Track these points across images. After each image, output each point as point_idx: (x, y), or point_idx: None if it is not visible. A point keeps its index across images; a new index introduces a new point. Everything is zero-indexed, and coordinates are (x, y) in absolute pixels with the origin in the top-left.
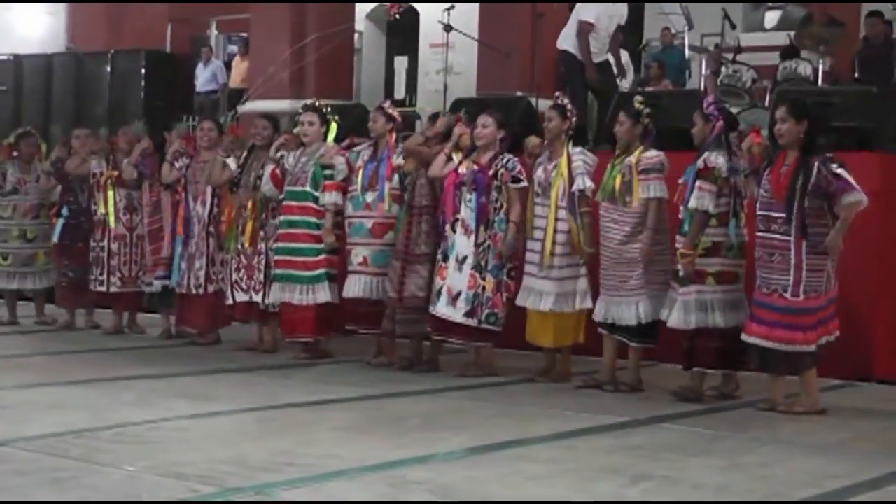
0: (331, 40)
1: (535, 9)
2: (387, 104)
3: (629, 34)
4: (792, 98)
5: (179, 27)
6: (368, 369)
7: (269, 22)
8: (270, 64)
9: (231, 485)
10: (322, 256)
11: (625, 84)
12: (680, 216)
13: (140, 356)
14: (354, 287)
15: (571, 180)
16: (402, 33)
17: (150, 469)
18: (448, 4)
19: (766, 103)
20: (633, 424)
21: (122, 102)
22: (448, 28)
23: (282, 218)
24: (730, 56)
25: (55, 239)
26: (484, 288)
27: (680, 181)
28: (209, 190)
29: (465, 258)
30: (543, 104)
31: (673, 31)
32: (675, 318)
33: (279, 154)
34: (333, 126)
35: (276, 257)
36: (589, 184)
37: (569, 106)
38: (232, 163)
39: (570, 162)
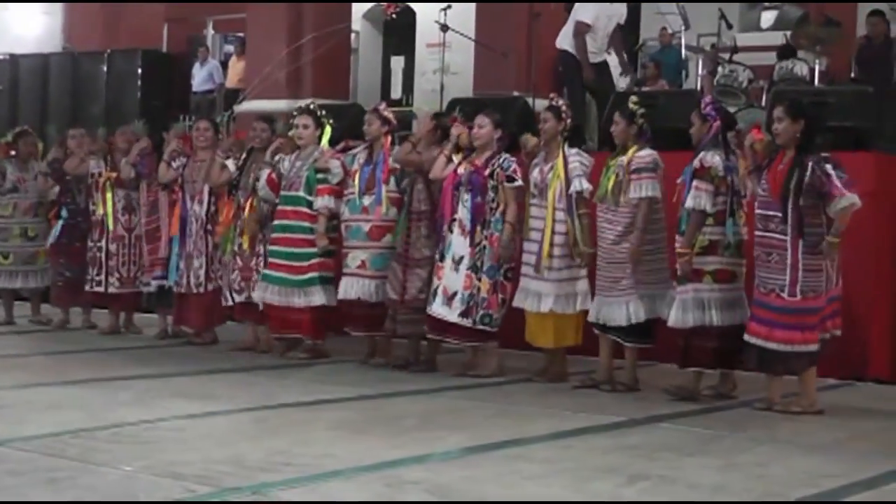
0: (327, 40)
1: (531, 9)
2: (382, 106)
3: (627, 34)
4: (789, 98)
5: (176, 27)
6: (365, 369)
7: (266, 22)
8: (267, 64)
9: (228, 485)
10: (315, 260)
11: (622, 84)
12: (679, 214)
13: (137, 356)
14: (352, 289)
15: (568, 182)
16: (398, 33)
17: (147, 469)
18: (445, 4)
19: (763, 103)
20: (629, 424)
21: (118, 102)
22: (445, 28)
23: (276, 222)
24: (726, 56)
25: (51, 240)
26: (479, 289)
27: (678, 181)
28: (206, 189)
29: (461, 258)
30: (540, 104)
31: (670, 31)
32: (673, 316)
33: (276, 158)
34: (328, 129)
35: (270, 259)
36: (586, 185)
37: (564, 107)
38: (231, 164)
39: (566, 164)
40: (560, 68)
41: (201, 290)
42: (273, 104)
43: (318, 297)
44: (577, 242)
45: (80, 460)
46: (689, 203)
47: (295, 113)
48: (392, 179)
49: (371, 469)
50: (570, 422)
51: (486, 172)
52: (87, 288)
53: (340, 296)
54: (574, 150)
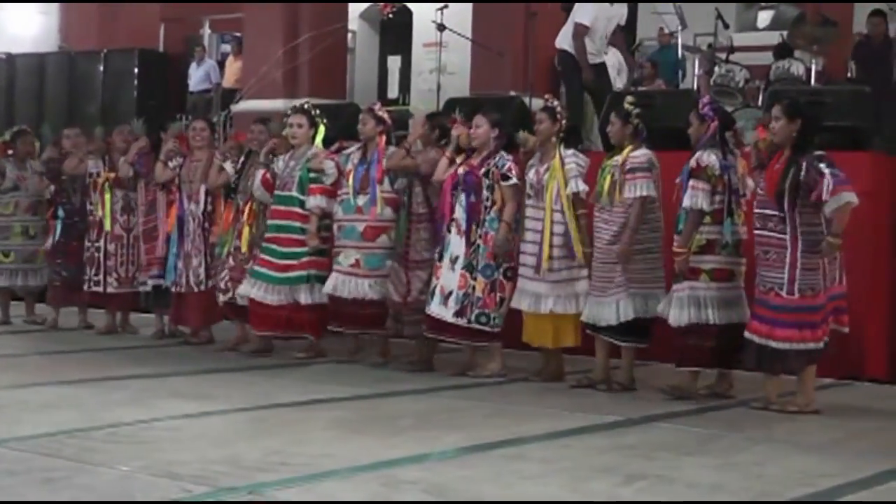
0: (324, 40)
1: (528, 8)
2: (377, 106)
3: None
4: (786, 97)
5: (172, 26)
6: (362, 369)
7: (263, 21)
8: (264, 63)
9: (224, 484)
10: (305, 259)
11: (619, 84)
12: (677, 214)
13: (133, 356)
14: (345, 287)
15: (566, 183)
16: (395, 33)
17: (144, 469)
18: (441, 4)
19: (759, 103)
20: (626, 424)
21: (114, 102)
22: (441, 27)
23: (270, 222)
24: (723, 56)
25: (56, 239)
26: (474, 288)
27: (677, 181)
28: (202, 189)
29: (456, 258)
30: (537, 104)
31: (666, 31)
32: (671, 315)
33: (270, 158)
34: (321, 128)
35: (261, 256)
36: (583, 186)
37: (559, 108)
38: (229, 167)
39: (563, 164)
40: (559, 68)
41: (202, 287)
42: (270, 104)
43: (304, 296)
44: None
45: (77, 460)
46: (685, 203)
47: (289, 112)
48: (386, 179)
49: (368, 469)
50: (567, 421)
51: (482, 172)
52: (85, 288)
53: (329, 290)
54: (570, 151)
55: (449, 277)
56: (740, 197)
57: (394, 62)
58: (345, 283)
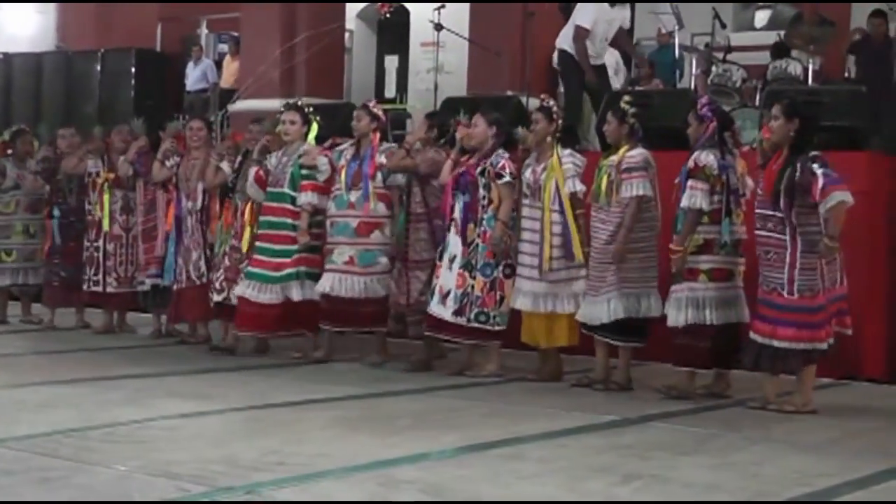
0: (321, 39)
1: (525, 8)
2: (371, 103)
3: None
4: (786, 97)
5: (169, 26)
6: (359, 369)
7: (260, 21)
8: (261, 63)
9: (221, 484)
10: (297, 256)
11: (616, 84)
12: (676, 215)
13: (130, 355)
14: (340, 286)
15: (564, 183)
16: (392, 32)
17: (141, 468)
18: (438, 4)
19: (757, 103)
20: (623, 423)
21: (111, 101)
22: (438, 27)
23: (262, 219)
24: (720, 55)
25: (57, 240)
26: (473, 287)
27: (676, 181)
28: (200, 187)
29: (454, 257)
30: (534, 103)
31: (664, 31)
32: (669, 315)
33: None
34: (315, 126)
35: (255, 256)
36: (580, 187)
37: (555, 108)
38: (226, 166)
39: (560, 164)
40: (558, 68)
41: (203, 280)
42: (267, 103)
43: (295, 293)
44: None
45: (74, 460)
46: (684, 202)
47: (282, 109)
48: (379, 175)
49: (365, 468)
50: (564, 421)
51: (477, 171)
52: (85, 288)
53: (326, 290)
54: (567, 151)
55: (447, 277)
56: (739, 197)
57: (391, 62)
58: (341, 282)
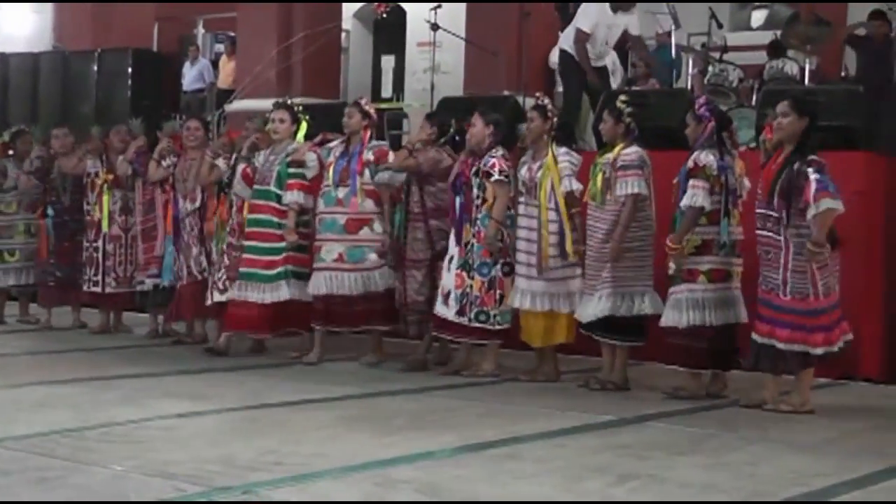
0: (318, 39)
1: (521, 8)
2: (363, 100)
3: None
4: (795, 94)
5: (166, 26)
6: (356, 368)
7: (256, 21)
8: (258, 63)
9: (218, 484)
10: (284, 255)
11: (613, 84)
12: (674, 215)
13: (127, 355)
14: (332, 284)
15: (560, 182)
16: (389, 32)
17: (138, 468)
18: (435, 3)
19: (753, 102)
20: (620, 423)
21: (108, 101)
22: (435, 27)
23: (249, 216)
24: (716, 55)
25: (51, 239)
26: (471, 287)
27: (674, 181)
28: (198, 188)
29: (452, 257)
30: (531, 103)
31: (659, 31)
32: (668, 316)
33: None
34: (304, 125)
35: (245, 255)
36: (576, 185)
37: (549, 106)
38: (221, 163)
39: (556, 163)
40: (559, 67)
41: (206, 274)
42: (263, 103)
43: (283, 292)
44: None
45: (71, 460)
46: (685, 201)
47: (272, 108)
48: (367, 171)
49: (361, 468)
50: (560, 421)
51: (472, 170)
52: (85, 288)
53: (315, 291)
54: (563, 150)
55: (447, 277)
56: (737, 198)
57: (387, 62)
58: (332, 280)
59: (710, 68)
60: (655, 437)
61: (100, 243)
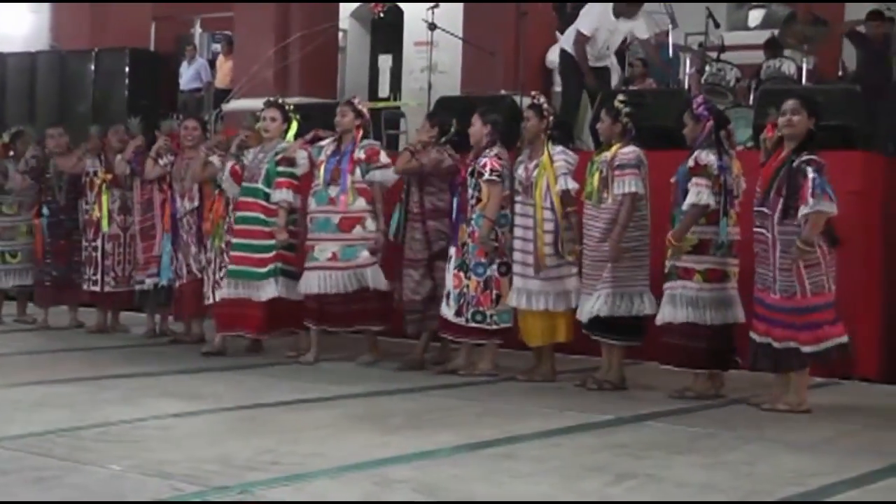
0: (315, 39)
1: (518, 8)
2: (356, 99)
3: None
4: (803, 93)
5: (163, 25)
6: (353, 368)
7: (254, 20)
8: (255, 62)
9: (215, 483)
10: (274, 252)
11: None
12: (672, 212)
13: (124, 355)
14: (325, 283)
15: (556, 181)
16: (386, 32)
17: (135, 468)
18: (432, 3)
19: (750, 102)
20: (617, 423)
21: (105, 101)
22: (432, 26)
23: (237, 214)
24: (714, 55)
25: (46, 239)
26: (468, 287)
27: (672, 180)
28: (195, 187)
29: (450, 258)
30: (528, 102)
31: (657, 31)
32: (664, 312)
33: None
34: (294, 124)
35: (233, 253)
36: (572, 184)
37: (545, 105)
38: (216, 161)
39: (552, 162)
40: (559, 66)
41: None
42: (260, 103)
43: (269, 290)
44: (563, 241)
45: (68, 459)
46: (691, 199)
47: (263, 106)
48: (358, 170)
49: (359, 468)
50: (558, 420)
51: (468, 171)
52: (85, 287)
53: (307, 290)
54: (559, 148)
55: (448, 278)
56: (734, 198)
57: (385, 61)
58: (327, 280)
59: (708, 68)
60: (653, 436)
61: (99, 242)
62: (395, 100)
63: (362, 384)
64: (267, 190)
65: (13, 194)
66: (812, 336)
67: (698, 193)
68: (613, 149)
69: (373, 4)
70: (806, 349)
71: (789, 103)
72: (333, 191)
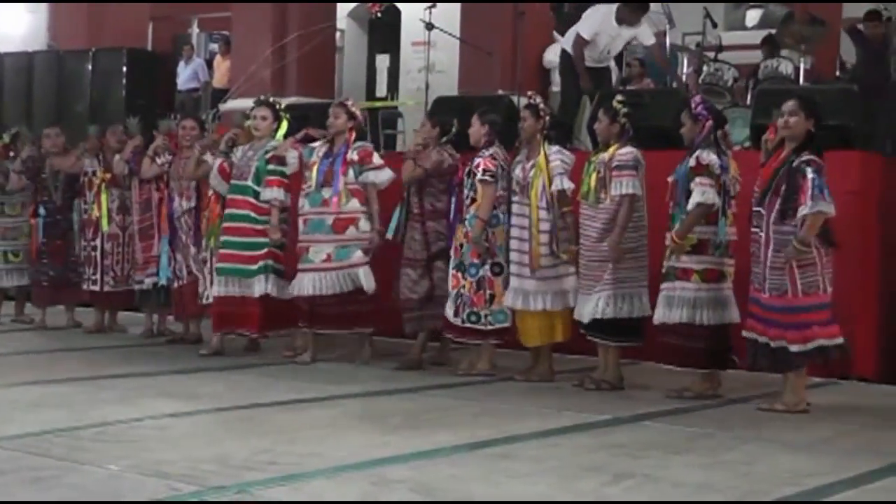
0: (312, 38)
1: (516, 8)
2: (349, 101)
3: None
4: (802, 94)
5: (160, 25)
6: (350, 368)
7: (251, 20)
8: (252, 62)
9: (213, 483)
10: (265, 250)
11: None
12: (670, 212)
13: (122, 355)
14: (318, 285)
15: (551, 180)
16: (383, 32)
17: (132, 468)
18: (429, 3)
19: (747, 102)
20: (615, 423)
21: (103, 101)
22: (430, 26)
23: (226, 211)
24: (711, 55)
25: (41, 238)
26: (465, 287)
27: (669, 179)
28: (193, 185)
29: (449, 258)
30: (525, 102)
31: (654, 31)
32: (659, 312)
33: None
34: (284, 123)
35: (221, 250)
36: (568, 184)
37: (541, 105)
38: (210, 159)
39: (547, 162)
40: (559, 66)
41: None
42: None
43: (258, 287)
44: (558, 240)
45: (65, 459)
46: (696, 198)
47: (253, 104)
48: (351, 172)
49: (356, 467)
50: (555, 420)
51: (465, 171)
52: (84, 287)
53: (300, 292)
54: (555, 148)
55: (448, 279)
56: (731, 198)
57: (382, 61)
58: (321, 281)
59: (705, 68)
60: (650, 436)
61: (98, 242)
62: (392, 100)
63: (360, 384)
64: (256, 188)
65: (16, 195)
66: (800, 335)
67: (703, 193)
68: (611, 149)
69: (370, 4)
70: (794, 348)
71: (787, 105)
72: (327, 192)
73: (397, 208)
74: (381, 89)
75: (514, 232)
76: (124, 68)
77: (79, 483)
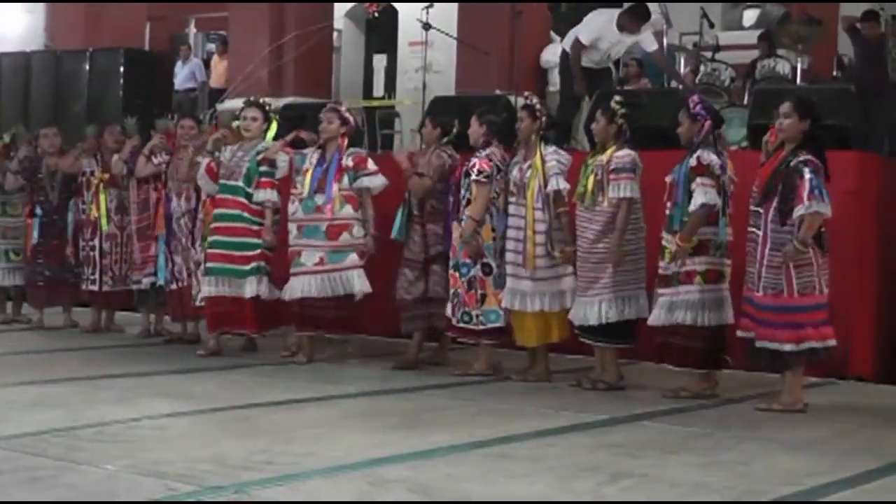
0: (309, 38)
1: (513, 8)
2: (342, 106)
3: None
4: (797, 95)
5: (158, 25)
6: (348, 368)
7: (248, 20)
8: (249, 62)
9: (210, 483)
10: (257, 251)
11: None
12: (668, 212)
13: (119, 355)
14: (308, 287)
15: (546, 181)
16: (380, 31)
17: (129, 468)
18: (427, 3)
19: (744, 101)
20: (612, 423)
21: (100, 101)
22: (427, 26)
23: (216, 211)
24: (708, 54)
25: (36, 239)
26: (459, 287)
27: (668, 179)
28: (191, 186)
29: (447, 258)
30: (522, 103)
31: (652, 31)
32: (658, 315)
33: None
34: (274, 124)
35: (210, 250)
36: (563, 185)
37: (538, 106)
38: (203, 160)
39: (543, 162)
40: (559, 66)
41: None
42: None
43: (249, 289)
44: (553, 241)
45: (62, 459)
46: (700, 199)
47: (243, 105)
48: (345, 178)
49: (353, 467)
50: (553, 420)
51: (462, 171)
52: (83, 287)
53: (293, 295)
54: (552, 149)
55: (444, 280)
56: (728, 198)
57: (379, 61)
58: (310, 284)
59: (702, 68)
60: (648, 436)
61: (96, 242)
62: (389, 99)
63: (357, 384)
64: (248, 189)
65: (18, 195)
66: (793, 335)
67: (706, 193)
68: (609, 152)
69: (367, 4)
70: (786, 348)
71: (782, 106)
72: (320, 199)
73: (400, 209)
74: (379, 89)
75: (511, 233)
76: (121, 68)
77: (76, 483)
